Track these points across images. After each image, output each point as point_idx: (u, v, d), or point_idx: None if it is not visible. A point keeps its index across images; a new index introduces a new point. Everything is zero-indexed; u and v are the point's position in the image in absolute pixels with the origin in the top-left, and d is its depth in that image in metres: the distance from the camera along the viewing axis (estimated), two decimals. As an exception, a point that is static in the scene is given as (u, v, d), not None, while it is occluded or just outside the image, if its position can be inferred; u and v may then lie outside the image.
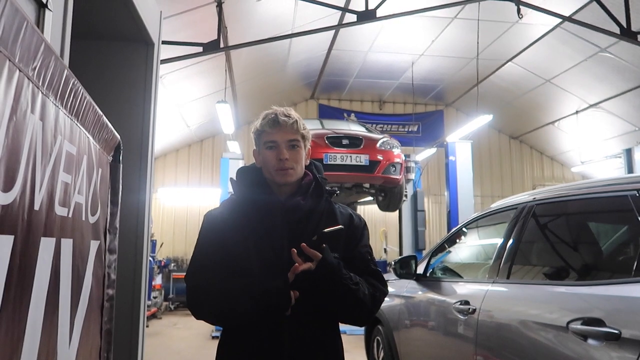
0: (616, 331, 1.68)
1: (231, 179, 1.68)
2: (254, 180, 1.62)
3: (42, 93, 0.87)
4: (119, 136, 1.53)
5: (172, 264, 12.13)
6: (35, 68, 0.83)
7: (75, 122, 1.09)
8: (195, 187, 13.78)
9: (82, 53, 2.04)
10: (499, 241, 2.75)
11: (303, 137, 1.59)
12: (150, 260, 9.17)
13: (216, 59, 8.99)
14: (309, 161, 1.65)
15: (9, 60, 0.72)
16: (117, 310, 1.54)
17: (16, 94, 0.75)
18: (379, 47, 11.28)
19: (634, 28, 7.17)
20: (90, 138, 1.24)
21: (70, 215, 1.06)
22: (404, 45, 11.13)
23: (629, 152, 10.70)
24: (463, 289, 2.97)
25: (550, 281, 2.39)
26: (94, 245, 1.29)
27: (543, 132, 14.51)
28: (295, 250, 1.44)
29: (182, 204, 13.48)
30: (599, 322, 1.77)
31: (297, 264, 1.43)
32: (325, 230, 1.49)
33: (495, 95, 13.03)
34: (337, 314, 1.59)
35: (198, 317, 1.54)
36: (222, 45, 6.98)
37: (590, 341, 1.78)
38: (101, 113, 1.29)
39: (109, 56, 2.54)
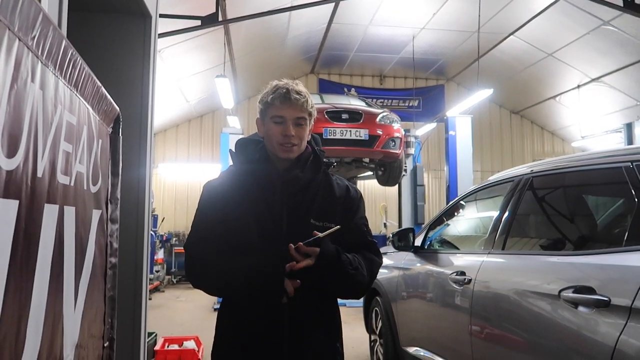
0: (606, 298, 1.73)
1: (230, 150, 1.70)
2: (253, 152, 1.64)
3: (42, 62, 0.89)
4: (118, 108, 1.55)
5: (174, 239, 12.25)
6: (34, 37, 0.85)
7: (75, 92, 1.11)
8: (195, 162, 13.81)
9: (79, 25, 2.04)
10: (495, 213, 2.79)
11: (310, 115, 1.60)
12: (152, 235, 9.24)
13: (215, 33, 8.90)
14: (309, 137, 1.66)
15: (9, 29, 0.74)
16: (120, 280, 1.58)
17: (17, 63, 0.76)
18: (380, 21, 11.14)
19: (637, 0, 7.07)
20: (90, 109, 1.26)
21: (72, 184, 1.09)
22: (404, 18, 10.99)
23: (629, 127, 10.68)
24: (459, 260, 3.02)
25: (543, 251, 2.44)
26: (96, 214, 1.33)
27: (544, 107, 14.44)
28: (293, 246, 1.45)
29: (183, 179, 13.54)
30: (589, 290, 1.81)
31: (295, 262, 1.45)
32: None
33: (496, 69, 12.92)
34: (336, 294, 1.66)
35: (196, 286, 1.59)
36: (220, 19, 6.91)
37: (581, 308, 1.83)
38: (100, 84, 1.31)
39: (106, 28, 2.53)
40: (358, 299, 1.74)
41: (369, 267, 1.60)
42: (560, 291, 1.93)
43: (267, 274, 1.46)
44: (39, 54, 0.88)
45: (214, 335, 1.64)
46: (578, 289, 1.86)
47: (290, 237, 1.48)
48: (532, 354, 2.16)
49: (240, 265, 1.49)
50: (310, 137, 1.67)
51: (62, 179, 1.01)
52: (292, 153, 1.58)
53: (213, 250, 1.53)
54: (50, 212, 0.94)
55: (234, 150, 1.69)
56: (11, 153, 0.75)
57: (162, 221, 11.84)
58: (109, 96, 1.41)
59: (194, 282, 1.59)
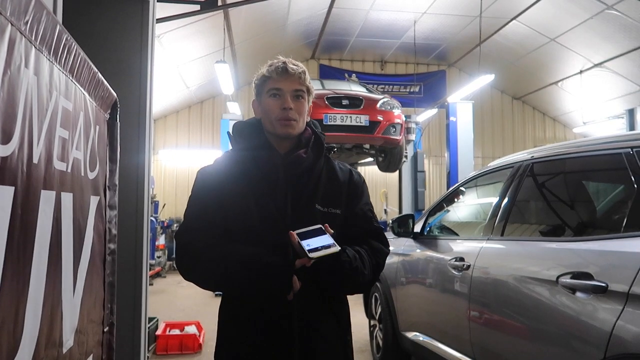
0: (603, 284, 1.74)
1: (228, 133, 1.62)
2: (253, 134, 1.54)
3: (36, 48, 0.88)
4: (115, 94, 1.54)
5: (175, 225, 12.27)
6: (27, 22, 0.84)
7: (70, 78, 1.10)
8: (196, 148, 13.80)
9: (75, 10, 2.02)
10: (495, 200, 2.79)
11: (308, 90, 1.52)
12: (152, 221, 9.22)
13: (214, 18, 8.83)
14: (309, 118, 1.58)
15: (0, 13, 0.73)
16: (120, 265, 1.59)
17: (9, 48, 0.75)
18: (381, 5, 11.04)
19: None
20: (86, 95, 1.25)
21: (69, 170, 1.08)
22: (406, 3, 10.89)
23: (631, 113, 10.63)
24: (458, 246, 3.02)
25: (542, 237, 2.45)
26: (94, 201, 1.33)
27: (546, 93, 14.37)
28: (294, 234, 1.33)
29: (184, 166, 13.55)
30: (587, 276, 1.82)
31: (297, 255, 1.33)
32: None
33: (498, 54, 12.83)
34: (336, 293, 1.54)
35: (187, 278, 1.46)
36: (219, 4, 6.85)
37: (579, 294, 1.84)
38: (96, 70, 1.30)
39: (103, 13, 2.51)
40: (361, 293, 1.64)
41: (375, 260, 1.50)
42: (558, 277, 1.94)
43: (274, 265, 1.33)
44: (33, 39, 0.87)
45: (216, 332, 1.51)
46: (576, 275, 1.87)
47: (295, 222, 1.39)
48: (530, 339, 2.17)
49: (240, 253, 1.36)
50: (309, 119, 1.58)
51: (58, 165, 1.01)
52: (291, 128, 1.48)
53: (208, 239, 1.41)
54: (47, 199, 0.93)
55: (231, 133, 1.60)
56: (6, 139, 0.75)
57: (163, 207, 11.87)
58: (105, 82, 1.40)
59: (185, 272, 1.45)
